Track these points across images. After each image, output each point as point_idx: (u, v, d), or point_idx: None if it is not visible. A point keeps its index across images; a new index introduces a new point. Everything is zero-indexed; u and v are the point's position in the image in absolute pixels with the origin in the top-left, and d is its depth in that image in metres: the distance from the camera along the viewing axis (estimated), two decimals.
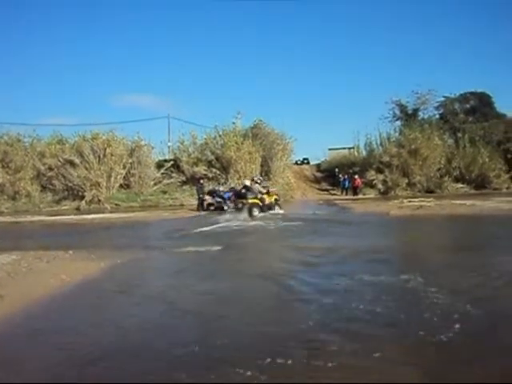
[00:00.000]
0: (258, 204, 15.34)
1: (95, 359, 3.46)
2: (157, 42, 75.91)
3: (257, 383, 3.03)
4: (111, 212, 20.11)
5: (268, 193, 16.22)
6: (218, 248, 8.82)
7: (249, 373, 3.04)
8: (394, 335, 3.75)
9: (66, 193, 23.75)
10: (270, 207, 15.71)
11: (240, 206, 15.59)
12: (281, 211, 15.93)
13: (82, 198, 22.93)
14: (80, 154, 23.74)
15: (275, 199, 16.42)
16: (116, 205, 22.92)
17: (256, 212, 14.95)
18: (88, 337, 4.01)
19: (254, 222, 13.54)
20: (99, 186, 23.17)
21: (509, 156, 30.58)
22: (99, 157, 23.66)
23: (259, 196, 15.53)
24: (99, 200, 22.96)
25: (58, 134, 26.64)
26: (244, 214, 14.63)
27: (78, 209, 22.13)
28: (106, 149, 23.70)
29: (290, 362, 3.20)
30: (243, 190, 16.02)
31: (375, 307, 4.43)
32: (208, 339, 3.79)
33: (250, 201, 15.35)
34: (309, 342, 3.59)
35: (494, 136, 31.81)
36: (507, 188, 28.98)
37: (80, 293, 5.80)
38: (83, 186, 23.03)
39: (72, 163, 23.53)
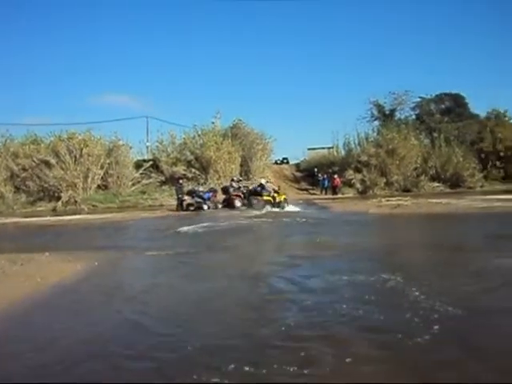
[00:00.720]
0: (270, 201, 17.38)
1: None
2: (134, 42, 74.94)
3: (257, 383, 3.03)
4: (88, 213, 19.72)
5: (277, 192, 18.01)
6: (193, 250, 8.76)
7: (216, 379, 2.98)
8: (370, 338, 3.67)
9: (41, 194, 23.17)
10: (280, 204, 17.41)
11: (255, 202, 17.34)
12: (296, 209, 17.64)
13: (58, 199, 22.41)
14: (56, 155, 23.20)
15: (284, 198, 18.17)
16: (93, 206, 22.48)
17: (269, 207, 16.88)
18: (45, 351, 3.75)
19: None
20: (76, 186, 22.70)
21: (482, 155, 31.53)
22: (76, 157, 23.19)
23: (272, 194, 17.59)
24: (76, 201, 22.49)
25: (33, 134, 25.99)
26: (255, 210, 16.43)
27: (53, 210, 21.61)
28: (82, 149, 23.24)
29: (261, 369, 3.12)
30: (258, 188, 17.97)
31: (353, 309, 4.40)
32: (178, 344, 3.73)
33: (265, 198, 17.43)
34: (279, 348, 3.54)
35: (468, 136, 32.76)
36: (481, 186, 29.84)
37: (54, 296, 5.64)
38: (59, 187, 22.51)
39: (47, 164, 22.98)
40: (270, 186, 17.77)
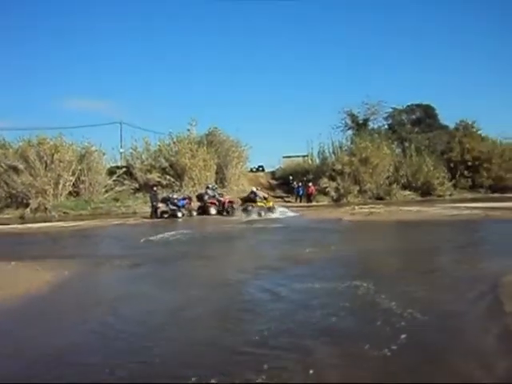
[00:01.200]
0: (263, 207, 18.87)
1: None
2: (109, 46, 73.87)
3: (256, 383, 3.00)
4: (59, 220, 19.18)
5: (266, 199, 19.45)
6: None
7: None
8: (337, 350, 3.66)
9: (8, 200, 22.38)
10: (270, 210, 18.79)
11: (250, 208, 18.63)
12: (291, 214, 18.99)
13: (27, 205, 21.70)
14: (25, 160, 22.49)
15: (272, 204, 19.89)
16: (64, 213, 21.88)
17: (263, 213, 18.29)
18: None
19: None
20: (46, 193, 22.03)
21: (451, 165, 32.55)
22: (46, 163, 22.55)
23: (263, 201, 19.22)
24: (46, 208, 21.84)
25: (1, 139, 25.11)
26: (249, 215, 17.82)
27: (21, 217, 20.90)
28: (53, 154, 22.63)
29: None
30: (252, 195, 19.44)
31: (322, 318, 4.44)
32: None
33: (259, 204, 18.92)
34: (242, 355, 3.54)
35: (438, 146, 33.82)
36: (450, 195, 30.76)
37: (20, 308, 5.44)
38: (28, 194, 21.81)
39: (15, 169, 22.23)
40: (261, 194, 19.38)
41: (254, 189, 20.60)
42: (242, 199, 19.87)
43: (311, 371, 3.22)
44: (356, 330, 4.13)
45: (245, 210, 18.56)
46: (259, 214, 18.04)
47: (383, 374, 3.23)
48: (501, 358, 3.43)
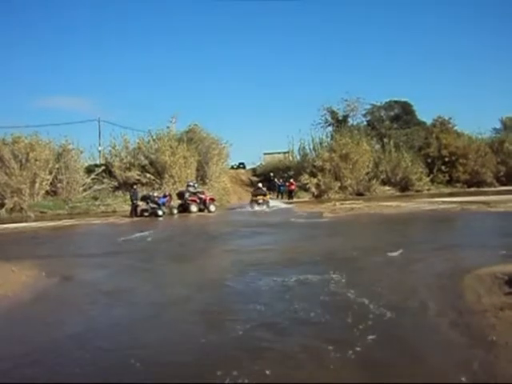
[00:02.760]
0: (268, 200, 21.58)
1: None
2: (86, 43, 72.45)
3: (257, 383, 3.01)
4: (36, 220, 18.75)
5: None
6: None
7: None
8: (305, 353, 3.66)
9: None
10: (267, 203, 21.37)
11: (261, 201, 21.09)
12: (283, 206, 22.02)
13: (2, 205, 21.13)
14: None
15: (269, 198, 22.38)
16: (41, 213, 21.38)
17: (270, 203, 21.36)
18: None
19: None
20: (21, 192, 21.48)
21: (428, 160, 33.16)
22: (21, 162, 21.97)
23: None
24: (22, 208, 21.30)
25: None
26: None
27: None
28: (29, 153, 22.05)
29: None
30: (258, 190, 22.20)
31: (292, 313, 4.53)
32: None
33: (267, 197, 21.72)
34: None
35: (416, 142, 34.41)
36: (428, 190, 31.36)
37: None
38: (3, 193, 21.23)
39: None
40: (265, 189, 21.29)
41: (260, 184, 23.45)
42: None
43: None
44: (324, 327, 4.23)
45: (256, 203, 21.09)
46: (265, 205, 20.91)
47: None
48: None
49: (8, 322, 4.97)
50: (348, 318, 4.31)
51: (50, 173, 22.68)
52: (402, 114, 38.46)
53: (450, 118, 36.27)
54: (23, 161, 21.98)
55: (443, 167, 33.43)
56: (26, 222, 18.10)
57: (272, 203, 21.84)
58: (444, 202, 18.93)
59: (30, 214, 20.87)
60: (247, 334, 4.03)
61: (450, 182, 33.55)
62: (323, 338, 3.83)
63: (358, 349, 3.57)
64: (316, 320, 4.34)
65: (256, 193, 22.07)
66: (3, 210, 20.91)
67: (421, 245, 8.67)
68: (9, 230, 15.42)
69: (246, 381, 3.12)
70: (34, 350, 3.95)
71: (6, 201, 21.10)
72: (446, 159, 33.52)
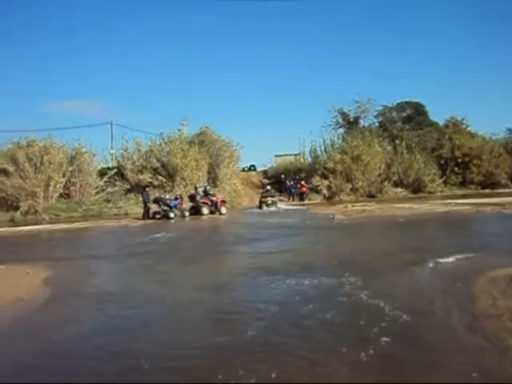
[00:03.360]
0: (276, 201, 23.19)
1: None
2: (99, 47, 73.27)
3: (258, 383, 3.01)
4: (50, 223, 19.02)
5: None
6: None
7: None
8: (316, 352, 3.68)
9: None
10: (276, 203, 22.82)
11: (270, 202, 22.41)
12: (292, 207, 23.36)
13: (17, 208, 21.46)
14: (14, 162, 22.23)
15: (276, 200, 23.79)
16: (55, 215, 21.66)
17: (278, 204, 22.92)
18: None
19: None
20: (36, 195, 21.78)
21: (441, 162, 32.76)
22: (36, 165, 22.30)
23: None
24: (36, 211, 21.59)
25: None
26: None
27: (12, 220, 20.65)
28: (43, 156, 22.37)
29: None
30: (267, 192, 23.87)
31: (303, 318, 4.51)
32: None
33: (275, 199, 23.35)
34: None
35: (428, 143, 34.02)
36: (441, 191, 30.94)
37: (7, 315, 5.35)
38: (18, 196, 21.56)
39: (5, 172, 21.96)
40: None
41: (269, 187, 25.34)
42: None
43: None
44: (338, 328, 4.16)
45: (265, 204, 22.29)
46: (273, 206, 22.16)
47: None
48: None
49: (23, 324, 5.03)
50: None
51: (64, 176, 22.97)
52: (414, 114, 38.10)
53: (463, 119, 35.84)
54: (38, 164, 22.31)
55: (456, 168, 33.00)
56: (40, 224, 18.36)
57: (280, 205, 23.10)
58: (457, 204, 18.69)
59: (44, 216, 21.16)
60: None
61: (463, 184, 33.08)
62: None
63: None
64: None
65: (265, 195, 23.35)
66: (18, 212, 21.24)
67: (436, 248, 8.56)
68: (24, 232, 15.66)
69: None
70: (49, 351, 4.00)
71: (21, 203, 21.42)
72: (460, 160, 33.07)
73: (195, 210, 19.40)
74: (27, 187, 21.59)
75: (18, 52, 68.21)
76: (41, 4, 69.63)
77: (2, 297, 5.87)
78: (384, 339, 3.79)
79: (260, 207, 22.19)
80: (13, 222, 19.92)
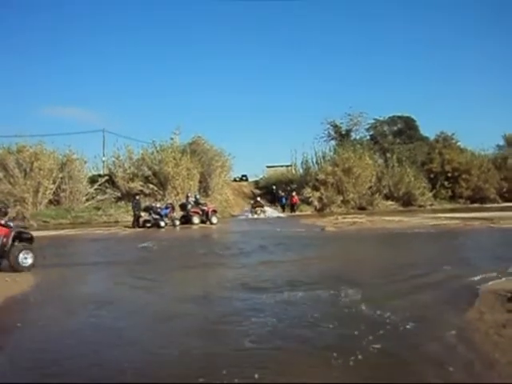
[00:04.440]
0: (265, 210, 25.89)
1: None
2: (91, 54, 73.40)
3: (257, 383, 3.00)
4: (38, 229, 18.77)
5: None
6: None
7: None
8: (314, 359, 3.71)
9: None
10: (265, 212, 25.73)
11: (259, 211, 25.21)
12: (281, 215, 26.30)
13: (5, 214, 21.13)
14: (3, 168, 22.05)
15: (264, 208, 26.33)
16: (44, 222, 21.47)
17: (267, 213, 25.60)
18: None
19: None
20: (25, 201, 21.61)
21: (431, 176, 33.13)
22: (25, 171, 22.15)
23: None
24: (24, 217, 21.36)
25: None
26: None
27: None
28: (33, 162, 22.25)
29: None
30: (257, 202, 26.54)
31: (298, 327, 4.49)
32: None
33: (264, 208, 26.13)
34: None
35: (419, 157, 34.44)
36: (430, 205, 31.25)
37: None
38: (6, 202, 21.31)
39: None
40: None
41: (258, 198, 27.57)
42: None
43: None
44: (338, 338, 4.16)
45: (255, 212, 25.05)
46: (264, 215, 24.90)
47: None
48: None
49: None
50: None
51: (54, 182, 22.83)
52: (405, 128, 38.61)
53: (453, 134, 36.42)
54: (27, 170, 22.16)
55: (446, 183, 33.39)
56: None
57: (271, 214, 25.85)
58: (447, 218, 18.85)
59: (32, 222, 20.92)
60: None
61: (452, 198, 33.47)
62: None
63: None
64: None
65: (255, 205, 26.20)
66: (6, 218, 20.93)
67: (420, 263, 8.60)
68: None
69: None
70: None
71: (9, 209, 21.13)
72: (449, 175, 33.50)
73: (186, 219, 19.33)
74: (16, 193, 21.40)
75: (13, 56, 67.90)
76: (38, 9, 69.51)
77: None
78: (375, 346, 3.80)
79: (251, 214, 25.07)
80: None
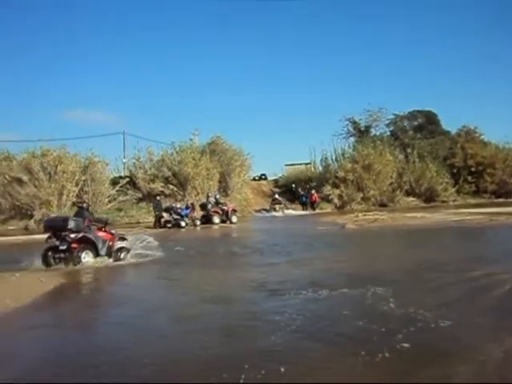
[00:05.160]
0: (283, 207, 27.08)
1: None
2: (111, 57, 74.54)
3: (257, 383, 3.01)
4: None
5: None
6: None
7: None
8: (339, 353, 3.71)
9: (12, 212, 22.45)
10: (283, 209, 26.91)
11: (278, 208, 26.49)
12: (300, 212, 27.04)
13: (31, 217, 21.77)
14: (29, 171, 22.60)
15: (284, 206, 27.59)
16: None
17: (286, 211, 26.80)
18: None
19: None
20: (50, 204, 22.11)
21: (454, 171, 32.45)
22: (50, 174, 22.65)
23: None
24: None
25: (5, 151, 25.24)
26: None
27: (26, 229, 20.94)
28: (57, 166, 22.73)
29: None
30: (276, 200, 27.45)
31: (324, 325, 4.46)
32: None
33: (282, 205, 27.26)
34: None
35: (441, 152, 33.77)
36: (453, 201, 30.63)
37: (18, 321, 5.40)
38: (32, 205, 21.90)
39: (20, 181, 22.33)
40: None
41: (277, 195, 27.69)
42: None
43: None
44: (364, 334, 4.12)
45: (274, 209, 26.25)
46: (283, 212, 25.98)
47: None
48: None
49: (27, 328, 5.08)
50: None
51: (77, 185, 23.26)
52: (426, 123, 37.93)
53: (476, 127, 35.54)
54: (51, 173, 22.65)
55: (469, 177, 32.66)
56: None
57: (289, 211, 26.58)
58: (471, 214, 18.45)
59: None
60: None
61: (476, 193, 32.72)
62: None
63: None
64: None
65: (274, 202, 27.20)
66: (32, 221, 21.53)
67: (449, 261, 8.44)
68: (37, 240, 15.78)
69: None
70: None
71: (35, 212, 21.73)
72: (473, 169, 32.76)
73: (206, 219, 19.46)
74: (41, 196, 21.91)
75: (37, 61, 69.60)
76: (58, 15, 71.03)
77: (17, 303, 5.95)
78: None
79: (270, 211, 26.20)
80: (27, 231, 20.19)
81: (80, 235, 8.71)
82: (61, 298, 6.66)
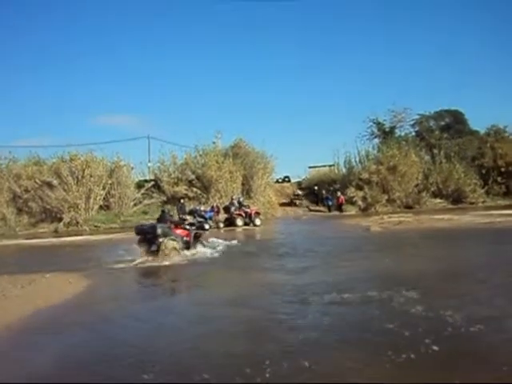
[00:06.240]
0: (302, 201, 30.51)
1: None
2: (135, 62, 75.96)
3: (257, 383, 3.01)
4: (90, 234, 19.71)
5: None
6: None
7: None
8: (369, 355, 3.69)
9: (43, 215, 23.19)
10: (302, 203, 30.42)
11: (298, 202, 30.06)
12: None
13: (60, 220, 22.44)
14: (58, 176, 23.32)
15: None
16: (95, 226, 22.48)
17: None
18: None
19: None
20: (78, 207, 22.74)
21: (483, 171, 31.48)
22: (78, 178, 23.30)
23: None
24: (77, 222, 22.50)
25: (35, 156, 26.16)
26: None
27: (55, 231, 21.61)
28: (84, 170, 23.37)
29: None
30: (297, 196, 31.15)
31: (352, 327, 4.45)
32: None
33: (302, 201, 30.61)
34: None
35: (469, 152, 32.81)
36: (483, 202, 29.72)
37: (52, 319, 5.57)
38: (61, 208, 22.56)
39: (49, 185, 23.06)
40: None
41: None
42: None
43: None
44: (392, 336, 4.08)
45: (295, 204, 29.66)
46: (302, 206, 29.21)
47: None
48: None
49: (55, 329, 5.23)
50: None
51: (104, 188, 23.86)
52: (453, 123, 37.04)
53: (506, 127, 34.37)
54: (79, 177, 23.30)
55: (499, 178, 31.60)
56: (81, 235, 19.06)
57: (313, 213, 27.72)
58: (501, 215, 17.89)
59: (85, 227, 22.00)
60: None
61: (507, 194, 31.60)
62: None
63: None
64: None
65: (295, 197, 30.66)
66: (61, 223, 22.20)
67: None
68: (67, 242, 16.27)
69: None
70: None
71: (64, 215, 22.38)
72: (503, 169, 31.67)
73: (229, 222, 19.57)
74: (70, 199, 22.57)
75: (64, 70, 71.70)
76: (83, 23, 72.98)
77: (47, 304, 6.14)
78: None
79: (291, 204, 29.60)
80: (57, 233, 20.82)
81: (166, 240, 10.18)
82: (89, 298, 6.82)
